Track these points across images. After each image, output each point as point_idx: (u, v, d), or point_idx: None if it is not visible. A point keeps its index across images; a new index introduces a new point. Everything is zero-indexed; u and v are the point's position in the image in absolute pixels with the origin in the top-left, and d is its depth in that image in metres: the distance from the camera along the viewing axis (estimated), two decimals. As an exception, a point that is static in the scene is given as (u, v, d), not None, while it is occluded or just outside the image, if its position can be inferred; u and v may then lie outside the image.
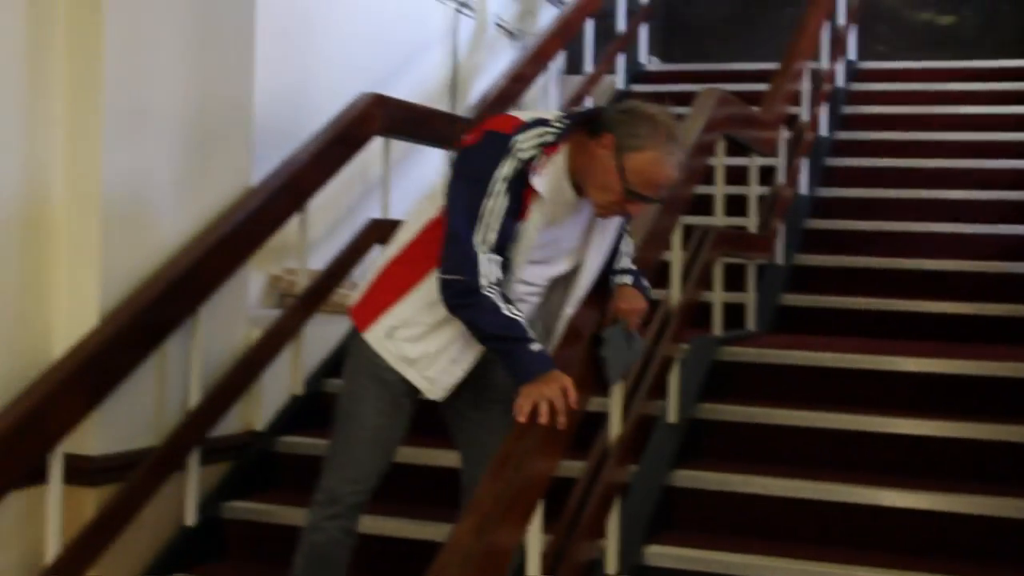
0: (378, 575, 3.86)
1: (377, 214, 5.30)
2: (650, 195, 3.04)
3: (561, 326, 3.21)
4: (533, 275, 3.18)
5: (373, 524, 3.74)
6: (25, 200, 3.65)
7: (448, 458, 4.04)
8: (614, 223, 3.22)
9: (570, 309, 3.21)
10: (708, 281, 4.88)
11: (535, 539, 3.15)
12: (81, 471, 3.67)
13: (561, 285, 3.26)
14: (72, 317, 3.74)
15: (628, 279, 3.29)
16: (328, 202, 5.85)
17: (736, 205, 5.64)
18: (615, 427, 3.73)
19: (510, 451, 3.02)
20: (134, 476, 3.76)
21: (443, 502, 3.80)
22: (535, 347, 3.00)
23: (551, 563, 3.33)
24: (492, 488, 2.92)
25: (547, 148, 3.02)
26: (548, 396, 2.95)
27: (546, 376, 2.98)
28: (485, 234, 2.99)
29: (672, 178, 3.05)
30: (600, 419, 3.78)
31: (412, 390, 3.24)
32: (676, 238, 4.43)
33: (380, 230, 5.11)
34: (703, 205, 5.24)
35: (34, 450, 3.43)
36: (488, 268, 2.99)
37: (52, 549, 3.53)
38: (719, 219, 5.09)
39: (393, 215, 5.36)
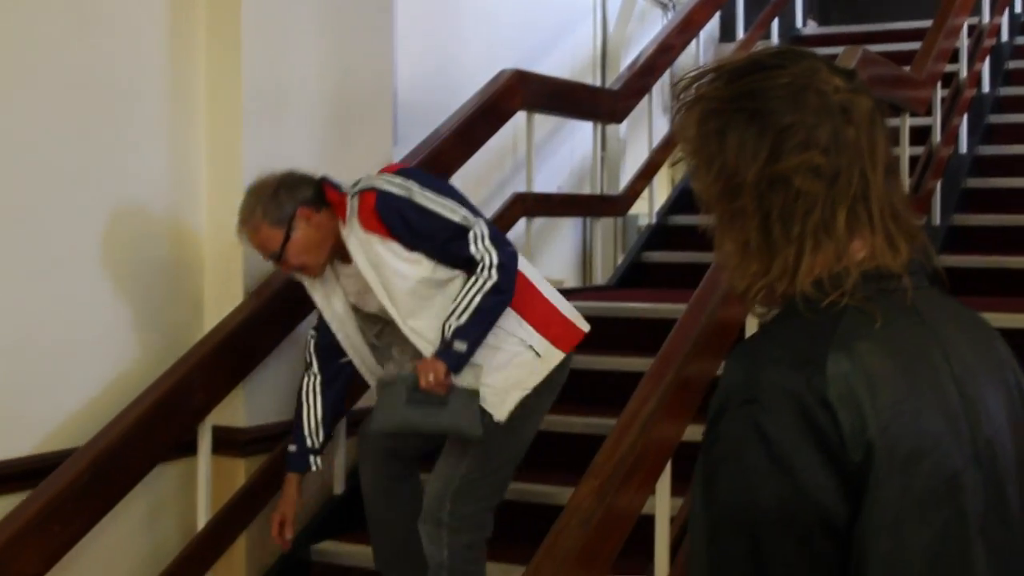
0: (496, 535, 3.92)
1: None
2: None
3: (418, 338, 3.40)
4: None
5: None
6: (172, 185, 3.81)
7: (561, 423, 4.09)
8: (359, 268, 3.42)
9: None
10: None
11: (663, 503, 3.17)
12: (231, 442, 3.83)
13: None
14: (219, 294, 3.88)
15: (435, 351, 3.33)
16: (480, 179, 5.93)
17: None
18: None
19: (635, 414, 3.05)
20: (281, 446, 3.88)
21: (558, 466, 3.86)
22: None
23: (683, 527, 3.33)
24: (614, 451, 2.95)
25: None
26: None
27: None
28: None
29: (247, 240, 3.48)
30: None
31: None
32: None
33: (524, 203, 5.17)
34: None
35: (183, 422, 3.59)
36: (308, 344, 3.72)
37: (203, 517, 3.69)
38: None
39: (539, 189, 5.43)
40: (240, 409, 3.86)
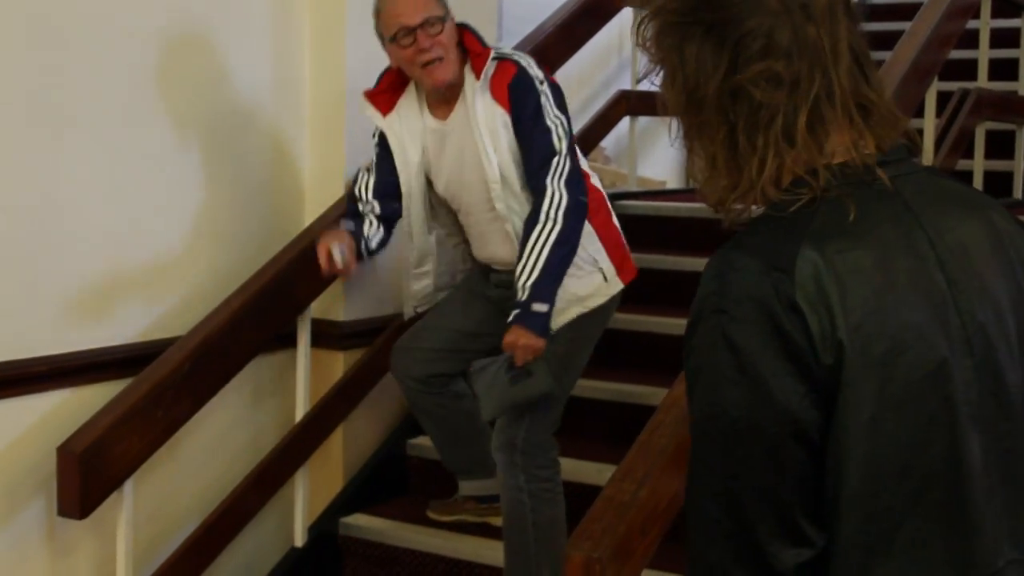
0: (593, 433, 3.92)
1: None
2: (404, 23, 3.19)
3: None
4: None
5: (590, 386, 3.82)
6: (275, 80, 3.80)
7: (660, 324, 4.06)
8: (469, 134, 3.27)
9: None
10: (970, 149, 4.68)
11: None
12: (330, 336, 3.86)
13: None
14: (320, 187, 3.89)
15: (513, 314, 3.16)
16: (583, 77, 5.85)
17: (1007, 69, 5.36)
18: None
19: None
20: (380, 341, 3.91)
21: (654, 367, 3.84)
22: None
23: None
24: (711, 351, 2.91)
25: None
26: None
27: None
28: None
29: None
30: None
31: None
32: (929, 103, 4.26)
33: (628, 101, 5.10)
34: (966, 71, 5.00)
35: (283, 314, 3.62)
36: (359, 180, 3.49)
37: (301, 408, 3.74)
38: (983, 83, 4.85)
39: (643, 88, 5.34)
40: (339, 303, 3.89)
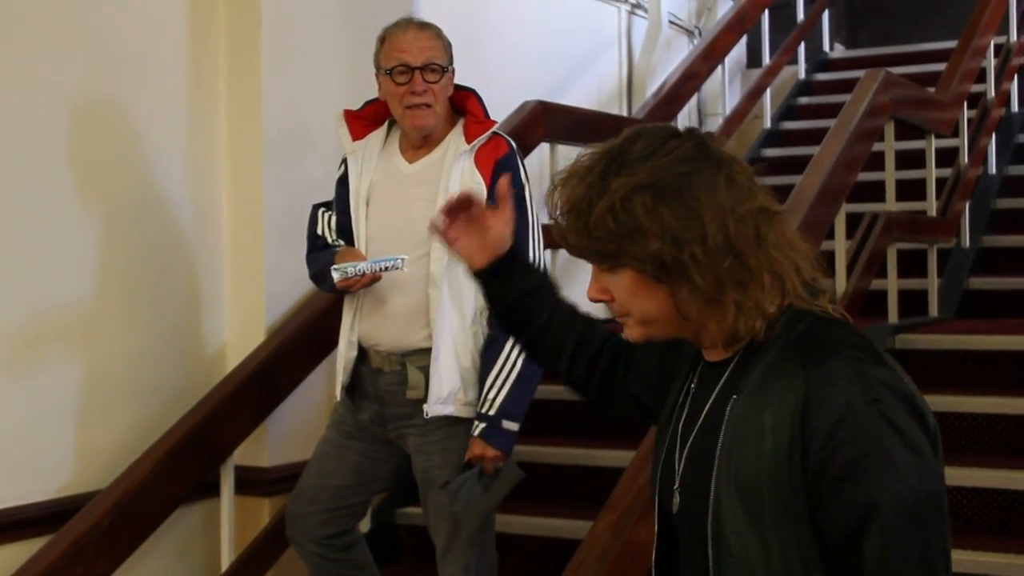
0: (517, 571, 3.89)
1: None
2: (405, 61, 3.18)
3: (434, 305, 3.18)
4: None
5: (515, 522, 3.82)
6: (193, 225, 3.83)
7: (589, 456, 4.08)
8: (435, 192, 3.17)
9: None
10: (883, 268, 4.77)
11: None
12: (255, 482, 3.83)
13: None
14: (242, 333, 3.90)
15: (479, 428, 3.14)
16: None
17: (916, 189, 5.49)
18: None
19: (649, 449, 3.02)
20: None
21: (582, 500, 3.84)
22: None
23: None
24: (630, 486, 2.93)
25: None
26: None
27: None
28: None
29: (412, 36, 3.22)
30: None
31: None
32: (839, 226, 4.35)
33: (547, 235, 5.15)
34: (877, 191, 5.12)
35: (206, 462, 3.59)
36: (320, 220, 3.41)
37: (227, 558, 3.69)
38: (891, 204, 4.96)
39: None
40: (263, 448, 3.87)
